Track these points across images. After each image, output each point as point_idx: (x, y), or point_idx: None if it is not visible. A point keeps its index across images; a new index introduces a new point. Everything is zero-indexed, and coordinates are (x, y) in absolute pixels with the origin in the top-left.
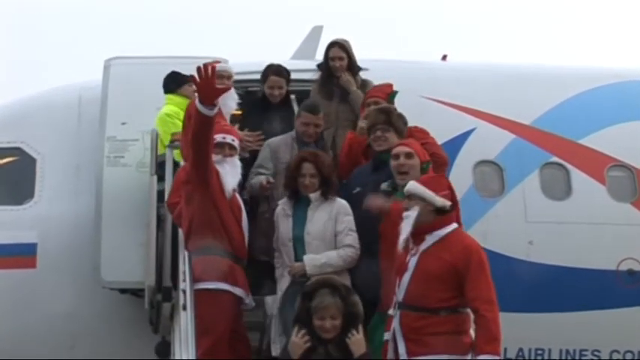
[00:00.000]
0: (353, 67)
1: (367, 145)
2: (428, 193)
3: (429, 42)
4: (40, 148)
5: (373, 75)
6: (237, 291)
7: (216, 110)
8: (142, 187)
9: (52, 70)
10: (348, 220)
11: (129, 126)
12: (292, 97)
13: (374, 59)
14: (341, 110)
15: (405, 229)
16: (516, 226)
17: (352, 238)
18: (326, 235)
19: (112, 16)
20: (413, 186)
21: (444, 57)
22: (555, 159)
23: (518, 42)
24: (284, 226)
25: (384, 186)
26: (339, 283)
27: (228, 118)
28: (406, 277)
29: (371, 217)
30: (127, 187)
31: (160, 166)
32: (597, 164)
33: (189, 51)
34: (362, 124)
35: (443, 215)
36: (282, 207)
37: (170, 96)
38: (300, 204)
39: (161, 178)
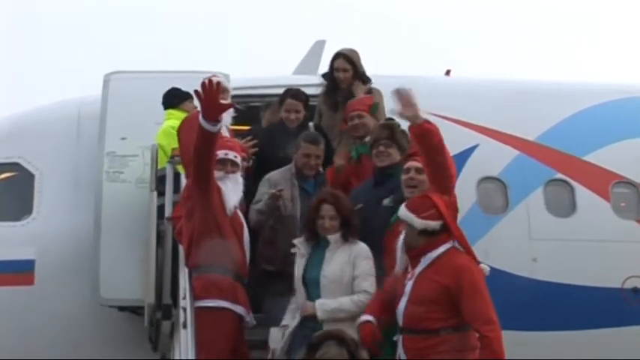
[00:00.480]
0: (360, 77)
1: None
2: (409, 216)
3: (432, 57)
4: (38, 163)
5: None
6: (238, 309)
7: (219, 126)
8: (141, 203)
9: (51, 84)
10: (366, 264)
11: (128, 141)
12: (310, 124)
13: (375, 74)
14: None
15: (398, 253)
16: (520, 243)
17: (369, 284)
18: (343, 278)
19: (112, 31)
20: (400, 211)
21: (448, 72)
22: (560, 175)
23: (522, 58)
24: (299, 267)
25: (386, 202)
26: (348, 337)
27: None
28: (403, 302)
29: (374, 232)
30: (127, 203)
31: (160, 181)
32: (602, 181)
33: (190, 66)
34: (339, 161)
35: (432, 237)
36: (299, 247)
37: (171, 111)
38: (318, 245)
39: (161, 194)
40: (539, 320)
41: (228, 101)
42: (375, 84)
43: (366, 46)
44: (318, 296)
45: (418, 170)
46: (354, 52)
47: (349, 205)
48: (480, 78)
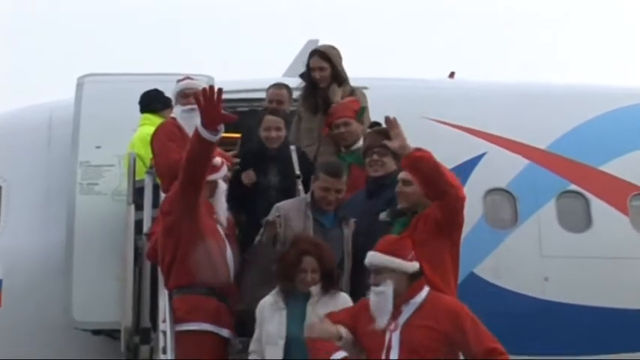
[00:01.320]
0: (338, 77)
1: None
2: (397, 262)
3: (434, 58)
4: (5, 174)
5: (373, 94)
6: (223, 332)
7: (219, 136)
8: (118, 217)
9: (20, 88)
10: None
11: (104, 150)
12: (292, 147)
13: (373, 77)
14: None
15: (382, 308)
16: (530, 260)
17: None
18: None
19: (86, 29)
20: (377, 259)
21: (452, 74)
22: (573, 187)
23: (532, 59)
24: (275, 321)
25: (382, 216)
26: None
27: None
28: (393, 355)
29: (368, 248)
30: (102, 217)
31: (138, 193)
32: (619, 193)
33: (174, 68)
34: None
35: (415, 281)
36: (274, 299)
37: (149, 115)
38: (295, 297)
39: (139, 207)
40: (550, 345)
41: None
42: (371, 87)
43: (362, 46)
44: (299, 356)
45: (405, 182)
46: (332, 48)
47: (333, 257)
48: (487, 81)
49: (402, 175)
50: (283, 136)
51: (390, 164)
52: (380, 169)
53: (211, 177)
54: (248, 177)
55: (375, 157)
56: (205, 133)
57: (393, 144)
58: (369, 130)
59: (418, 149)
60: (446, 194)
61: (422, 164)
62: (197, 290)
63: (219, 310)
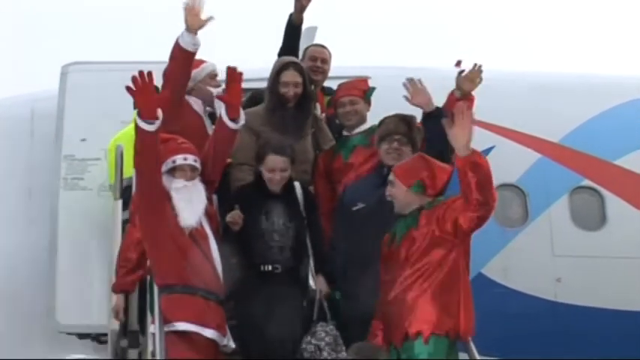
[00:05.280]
0: (306, 98)
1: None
2: None
3: (441, 44)
4: None
5: (375, 84)
6: (207, 333)
7: (157, 125)
8: (104, 213)
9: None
10: None
11: (89, 143)
12: (296, 183)
13: (375, 66)
14: (298, 150)
15: None
16: (542, 260)
17: None
18: None
19: (71, 15)
20: None
21: (458, 63)
22: (587, 182)
23: (544, 46)
24: None
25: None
26: None
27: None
28: None
29: (376, 234)
30: (87, 214)
31: (126, 190)
32: (636, 189)
33: (164, 55)
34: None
35: None
36: None
37: None
38: None
39: (127, 204)
40: (563, 349)
41: (220, 88)
42: (374, 76)
43: (364, 33)
44: None
45: (390, 183)
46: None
47: None
48: (496, 70)
49: (390, 176)
50: (287, 176)
51: (408, 154)
52: (399, 158)
53: None
54: (234, 218)
55: (396, 144)
56: (143, 124)
57: (417, 100)
58: (391, 115)
59: (478, 153)
60: (485, 207)
61: (479, 170)
62: (181, 289)
63: (203, 309)
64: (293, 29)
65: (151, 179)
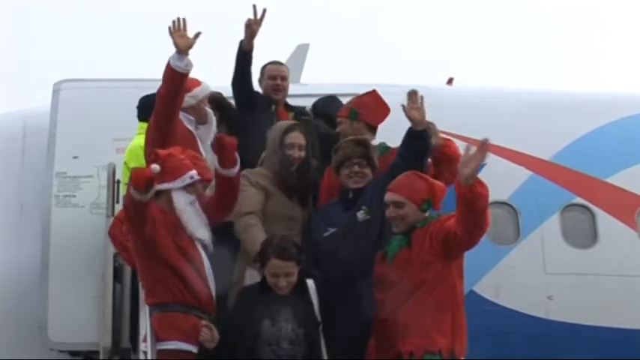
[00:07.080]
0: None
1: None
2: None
3: (432, 64)
4: None
5: None
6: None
7: (151, 194)
8: (96, 231)
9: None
10: None
11: (81, 160)
12: (310, 282)
13: (367, 83)
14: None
15: None
16: (534, 278)
17: None
18: None
19: (63, 33)
20: None
21: (450, 80)
22: (579, 200)
23: (535, 65)
24: None
25: (361, 216)
26: None
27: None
28: None
29: (354, 258)
30: (79, 232)
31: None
32: (628, 206)
33: (158, 73)
34: None
35: None
36: None
37: (145, 124)
38: None
39: None
40: None
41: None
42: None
43: (356, 51)
44: None
45: (397, 204)
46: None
47: None
48: (487, 88)
49: (391, 197)
50: (295, 281)
51: (369, 175)
52: (361, 181)
53: (160, 186)
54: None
55: (356, 168)
56: (136, 194)
57: (412, 114)
58: (346, 139)
59: (482, 184)
60: (478, 233)
61: (479, 201)
62: (174, 308)
63: (197, 327)
64: (244, 55)
65: (140, 223)
